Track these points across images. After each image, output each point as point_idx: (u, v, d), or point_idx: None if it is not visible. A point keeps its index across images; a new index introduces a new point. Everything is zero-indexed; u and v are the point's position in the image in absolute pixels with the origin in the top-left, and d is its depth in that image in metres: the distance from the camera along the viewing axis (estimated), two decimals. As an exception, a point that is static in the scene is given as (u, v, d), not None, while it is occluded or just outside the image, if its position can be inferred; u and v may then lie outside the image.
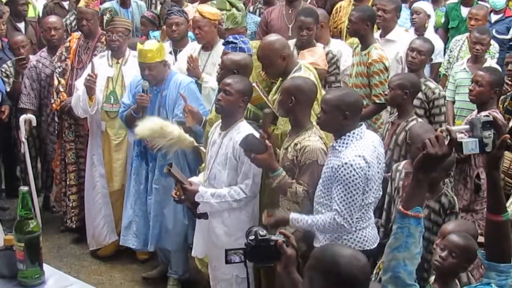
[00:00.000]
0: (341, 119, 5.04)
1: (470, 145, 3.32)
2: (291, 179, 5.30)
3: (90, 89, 7.14)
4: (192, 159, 6.76)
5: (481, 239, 4.84)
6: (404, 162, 5.89)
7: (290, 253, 3.37)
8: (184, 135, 6.24)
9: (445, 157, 3.16)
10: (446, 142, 3.13)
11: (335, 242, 5.06)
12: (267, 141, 5.29)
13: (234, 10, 7.75)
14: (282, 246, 3.36)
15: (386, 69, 7.12)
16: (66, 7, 10.43)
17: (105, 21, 7.48)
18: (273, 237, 3.39)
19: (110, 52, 7.42)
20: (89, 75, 7.13)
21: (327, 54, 7.29)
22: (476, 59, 7.92)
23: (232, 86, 5.67)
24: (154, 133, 6.19)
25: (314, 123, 5.45)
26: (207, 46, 7.40)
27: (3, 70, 8.35)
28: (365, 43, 7.30)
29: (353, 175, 4.91)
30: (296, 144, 5.32)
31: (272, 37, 6.39)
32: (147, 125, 6.21)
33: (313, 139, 5.30)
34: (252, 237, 3.37)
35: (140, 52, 6.63)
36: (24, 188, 3.78)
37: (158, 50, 6.62)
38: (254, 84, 5.96)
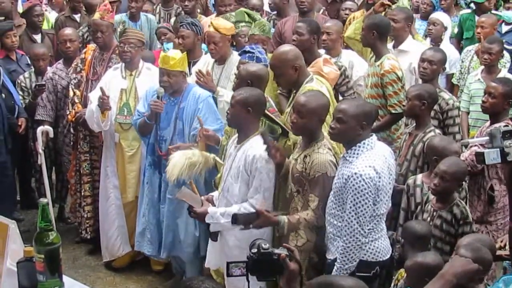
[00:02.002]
0: (358, 129, 5.06)
1: (491, 155, 3.33)
2: (301, 191, 5.32)
3: (103, 108, 7.17)
4: (207, 171, 6.76)
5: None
6: (421, 175, 5.90)
7: (293, 268, 3.32)
8: (206, 154, 6.30)
9: None
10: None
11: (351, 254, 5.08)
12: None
13: (264, 20, 7.72)
14: (285, 260, 3.31)
15: (399, 78, 7.08)
16: (78, 20, 10.47)
17: (118, 33, 7.52)
18: (276, 251, 3.33)
19: (123, 64, 7.44)
20: (101, 97, 7.12)
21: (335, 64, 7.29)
22: (490, 69, 7.91)
23: (234, 98, 5.72)
24: (185, 168, 6.22)
25: (325, 133, 5.48)
26: (220, 60, 7.41)
27: (18, 82, 8.42)
28: (377, 53, 7.27)
29: (363, 185, 4.92)
30: (305, 157, 5.33)
31: (285, 47, 6.41)
32: (176, 165, 6.23)
33: (322, 151, 5.30)
34: (254, 250, 3.32)
35: (162, 58, 6.67)
36: (43, 200, 3.81)
37: (181, 60, 6.68)
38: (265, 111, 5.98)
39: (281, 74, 6.18)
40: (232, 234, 5.77)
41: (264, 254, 3.31)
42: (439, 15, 9.52)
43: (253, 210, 5.56)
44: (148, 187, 7.05)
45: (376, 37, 7.22)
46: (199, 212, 5.72)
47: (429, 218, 5.47)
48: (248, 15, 7.80)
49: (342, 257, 5.08)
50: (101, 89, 7.15)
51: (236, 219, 5.26)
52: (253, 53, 6.63)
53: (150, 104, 6.77)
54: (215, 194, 6.01)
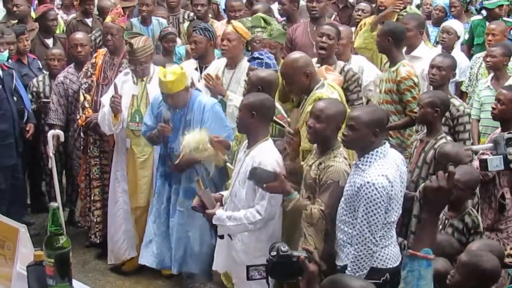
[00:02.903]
0: (371, 136, 5.05)
1: (494, 162, 3.34)
2: (311, 197, 5.33)
3: (115, 109, 7.17)
4: (216, 176, 6.76)
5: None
6: None
7: (313, 269, 3.34)
8: (218, 152, 6.35)
9: (446, 193, 3.08)
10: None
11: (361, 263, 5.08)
12: (276, 169, 5.34)
13: (276, 25, 7.72)
14: (304, 262, 3.32)
15: (416, 84, 7.15)
16: (89, 24, 10.50)
17: (126, 50, 7.50)
18: (295, 253, 3.35)
19: (135, 70, 7.46)
20: (113, 96, 7.15)
21: (347, 72, 7.28)
22: (499, 76, 7.90)
23: (242, 103, 5.76)
24: (200, 146, 6.27)
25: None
26: (231, 64, 7.41)
27: (30, 85, 8.45)
28: (393, 60, 7.32)
29: (375, 194, 4.92)
30: (320, 164, 5.33)
31: (296, 54, 6.42)
32: (195, 138, 6.29)
33: (338, 160, 5.30)
34: (274, 253, 3.34)
35: (160, 83, 6.60)
36: (54, 204, 3.80)
37: (179, 79, 6.55)
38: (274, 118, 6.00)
39: (293, 82, 6.19)
40: (239, 239, 5.80)
41: (283, 256, 3.33)
42: (453, 24, 9.52)
43: (259, 217, 5.57)
44: (156, 197, 7.05)
45: (392, 43, 7.28)
46: (208, 213, 5.74)
47: (440, 226, 5.46)
48: (264, 20, 7.77)
49: (353, 265, 5.08)
50: (115, 87, 7.17)
51: (253, 173, 5.27)
52: (262, 59, 6.63)
53: (158, 128, 6.77)
54: (225, 193, 6.02)
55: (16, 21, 9.68)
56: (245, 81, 6.82)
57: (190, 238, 6.88)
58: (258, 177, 5.25)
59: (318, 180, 5.31)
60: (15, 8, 9.71)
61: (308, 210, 5.26)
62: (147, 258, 7.16)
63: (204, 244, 6.86)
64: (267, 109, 5.71)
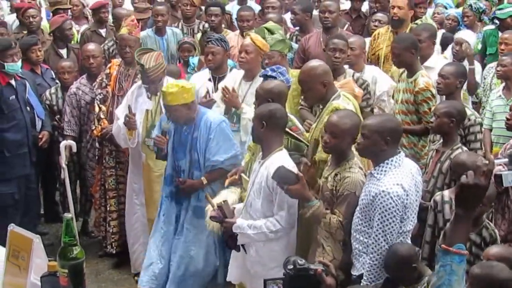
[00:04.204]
0: (382, 145, 5.06)
1: (509, 178, 3.31)
2: (328, 209, 5.32)
3: (130, 127, 7.19)
4: (216, 184, 6.74)
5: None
6: (447, 191, 5.87)
7: (330, 282, 3.34)
8: (233, 194, 6.28)
9: (482, 189, 3.06)
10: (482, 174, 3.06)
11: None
12: (298, 172, 5.32)
13: (278, 35, 7.63)
14: (321, 275, 3.32)
15: (433, 96, 7.15)
16: (103, 34, 10.55)
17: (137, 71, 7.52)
18: (312, 266, 3.34)
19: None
20: (127, 116, 7.15)
21: (357, 80, 7.30)
22: (510, 85, 7.87)
23: (254, 114, 5.79)
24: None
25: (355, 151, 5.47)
26: (248, 76, 7.37)
27: (44, 98, 8.48)
28: (411, 70, 7.31)
29: (390, 203, 4.92)
30: (336, 175, 5.33)
31: (315, 62, 6.40)
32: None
33: (353, 170, 5.30)
34: (290, 267, 3.31)
35: (162, 93, 6.61)
36: (68, 215, 3.82)
37: (180, 93, 6.44)
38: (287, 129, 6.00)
39: (309, 89, 6.18)
40: (254, 250, 5.79)
41: (300, 269, 3.31)
42: (465, 35, 9.50)
43: (279, 226, 5.57)
44: (164, 219, 6.88)
45: (414, 55, 7.29)
46: (228, 221, 5.74)
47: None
48: (269, 30, 7.75)
49: (369, 274, 5.08)
50: (129, 107, 7.18)
51: (277, 173, 5.25)
52: (276, 78, 6.58)
53: (154, 139, 6.78)
54: (237, 206, 6.02)
55: (26, 32, 9.74)
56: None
57: (193, 258, 6.74)
58: (282, 176, 5.24)
59: (335, 191, 5.31)
60: (31, 19, 9.75)
61: (327, 218, 5.26)
62: (146, 282, 6.89)
63: (208, 264, 6.78)
64: (277, 119, 5.71)
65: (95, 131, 7.84)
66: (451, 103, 6.58)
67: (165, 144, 6.71)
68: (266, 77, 6.66)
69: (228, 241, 5.93)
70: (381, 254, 5.01)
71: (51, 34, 9.78)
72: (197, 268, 6.75)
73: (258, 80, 7.17)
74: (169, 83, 6.66)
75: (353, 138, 5.39)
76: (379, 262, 5.03)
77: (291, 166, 5.58)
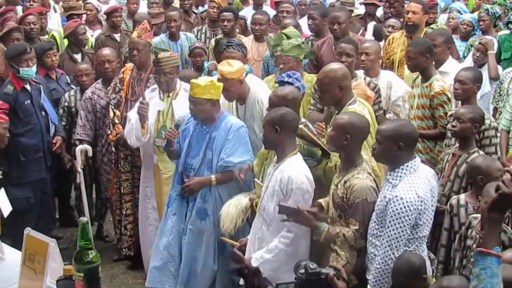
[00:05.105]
0: (395, 150, 5.06)
1: None
2: (342, 216, 5.32)
3: (142, 117, 7.16)
4: (223, 189, 6.75)
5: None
6: (464, 195, 5.86)
7: (341, 287, 3.34)
8: (245, 198, 6.30)
9: None
10: None
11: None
12: (299, 205, 5.38)
13: (292, 40, 7.55)
14: (333, 279, 3.32)
15: (449, 100, 7.14)
16: (118, 39, 10.59)
17: (150, 57, 7.54)
18: (324, 270, 3.34)
19: (161, 86, 7.45)
20: (140, 102, 7.15)
21: (369, 83, 7.30)
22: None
23: (264, 120, 5.79)
24: (238, 215, 6.21)
25: (365, 156, 5.47)
26: (240, 100, 7.19)
27: (62, 101, 8.52)
28: (426, 75, 7.30)
29: (402, 209, 4.93)
30: (345, 182, 5.31)
31: (336, 65, 6.44)
32: (228, 216, 6.22)
33: (361, 176, 5.28)
34: (302, 271, 3.32)
35: (190, 84, 6.59)
36: (83, 219, 3.83)
37: (207, 87, 6.47)
38: (301, 126, 5.98)
39: (326, 91, 6.19)
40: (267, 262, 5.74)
41: (312, 274, 3.31)
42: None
43: (291, 234, 5.57)
44: (175, 218, 6.85)
45: (430, 60, 7.29)
46: (248, 266, 5.71)
47: (474, 245, 5.42)
48: (286, 36, 7.73)
49: (374, 280, 5.11)
50: (142, 96, 7.21)
51: (280, 209, 5.33)
52: (292, 84, 6.56)
53: (166, 132, 6.79)
54: (248, 239, 6.04)
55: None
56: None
57: (195, 259, 6.75)
58: (285, 212, 5.34)
59: (345, 199, 5.30)
60: (31, 26, 9.62)
61: (341, 236, 5.26)
62: (165, 282, 6.87)
63: (206, 267, 6.75)
64: (289, 122, 5.69)
65: (110, 136, 7.87)
66: (475, 108, 6.55)
67: (176, 137, 6.71)
68: (282, 83, 6.63)
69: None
70: (387, 259, 5.02)
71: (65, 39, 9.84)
72: (197, 271, 6.75)
73: (250, 100, 7.13)
74: (201, 77, 6.67)
75: (361, 141, 5.44)
76: (382, 269, 5.04)
77: (306, 170, 5.62)
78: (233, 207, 6.22)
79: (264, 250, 5.68)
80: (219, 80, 6.78)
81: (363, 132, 5.44)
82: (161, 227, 7.03)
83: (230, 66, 7.01)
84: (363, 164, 5.39)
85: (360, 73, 7.46)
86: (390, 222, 4.97)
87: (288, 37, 7.54)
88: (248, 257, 5.79)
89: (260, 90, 7.18)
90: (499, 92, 8.77)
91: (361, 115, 5.72)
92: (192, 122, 6.80)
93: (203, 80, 6.61)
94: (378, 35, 10.10)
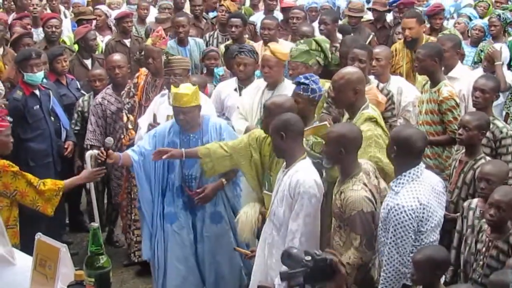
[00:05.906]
0: (392, 156, 5.17)
1: None
2: (342, 226, 5.33)
3: None
4: (229, 190, 6.81)
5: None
6: (476, 199, 5.85)
7: (344, 271, 3.35)
8: (257, 205, 6.35)
9: None
10: None
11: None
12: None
13: (302, 46, 7.59)
14: (337, 264, 3.31)
15: (458, 105, 7.13)
16: (128, 44, 10.62)
17: (162, 62, 7.55)
18: (328, 256, 3.32)
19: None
20: (151, 125, 7.18)
21: (381, 90, 7.27)
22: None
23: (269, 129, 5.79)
24: (255, 222, 6.25)
25: (364, 166, 5.47)
26: (271, 85, 7.40)
27: (76, 106, 8.56)
28: (435, 80, 7.28)
29: (404, 217, 4.95)
30: (341, 193, 5.31)
31: (352, 68, 6.47)
32: (247, 223, 6.25)
33: (356, 188, 5.25)
34: (308, 258, 3.27)
35: (175, 96, 6.54)
36: (94, 225, 3.85)
37: (194, 94, 6.51)
38: (326, 122, 6.05)
39: (340, 92, 6.19)
40: (275, 257, 5.68)
41: (319, 260, 3.28)
42: (498, 47, 9.47)
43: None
44: (185, 230, 6.83)
45: (438, 64, 7.27)
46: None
47: (484, 249, 5.41)
48: (317, 42, 7.73)
49: (382, 286, 5.11)
50: (154, 116, 7.22)
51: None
52: (307, 84, 6.53)
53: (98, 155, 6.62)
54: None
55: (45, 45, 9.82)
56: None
57: (219, 263, 6.83)
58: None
59: (341, 210, 5.29)
60: (54, 29, 9.85)
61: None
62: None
63: (234, 267, 6.84)
64: (293, 126, 5.67)
65: (123, 140, 7.88)
66: (481, 115, 6.51)
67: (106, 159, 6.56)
68: (299, 83, 6.59)
69: None
70: (393, 266, 5.03)
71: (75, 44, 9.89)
72: (225, 273, 6.83)
73: (280, 89, 7.25)
74: (181, 85, 6.69)
75: (356, 152, 5.42)
76: (391, 274, 5.05)
77: (315, 174, 5.61)
78: (249, 216, 6.26)
79: (274, 261, 5.67)
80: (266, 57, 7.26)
81: (356, 141, 5.42)
82: (167, 247, 6.90)
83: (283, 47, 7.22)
84: (360, 174, 5.36)
85: (372, 78, 7.46)
86: (393, 230, 4.99)
87: (318, 43, 7.58)
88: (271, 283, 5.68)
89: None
90: (511, 98, 8.76)
91: (351, 125, 5.76)
92: (175, 133, 6.76)
93: (186, 88, 6.58)
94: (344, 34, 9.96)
